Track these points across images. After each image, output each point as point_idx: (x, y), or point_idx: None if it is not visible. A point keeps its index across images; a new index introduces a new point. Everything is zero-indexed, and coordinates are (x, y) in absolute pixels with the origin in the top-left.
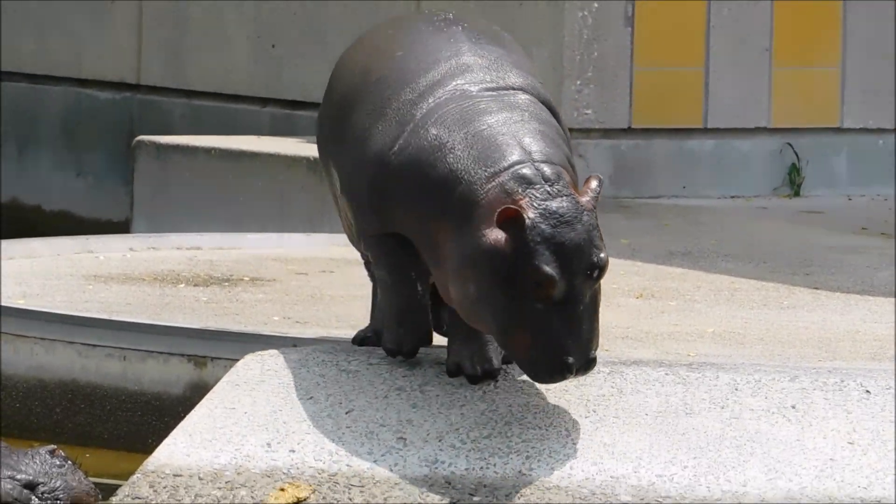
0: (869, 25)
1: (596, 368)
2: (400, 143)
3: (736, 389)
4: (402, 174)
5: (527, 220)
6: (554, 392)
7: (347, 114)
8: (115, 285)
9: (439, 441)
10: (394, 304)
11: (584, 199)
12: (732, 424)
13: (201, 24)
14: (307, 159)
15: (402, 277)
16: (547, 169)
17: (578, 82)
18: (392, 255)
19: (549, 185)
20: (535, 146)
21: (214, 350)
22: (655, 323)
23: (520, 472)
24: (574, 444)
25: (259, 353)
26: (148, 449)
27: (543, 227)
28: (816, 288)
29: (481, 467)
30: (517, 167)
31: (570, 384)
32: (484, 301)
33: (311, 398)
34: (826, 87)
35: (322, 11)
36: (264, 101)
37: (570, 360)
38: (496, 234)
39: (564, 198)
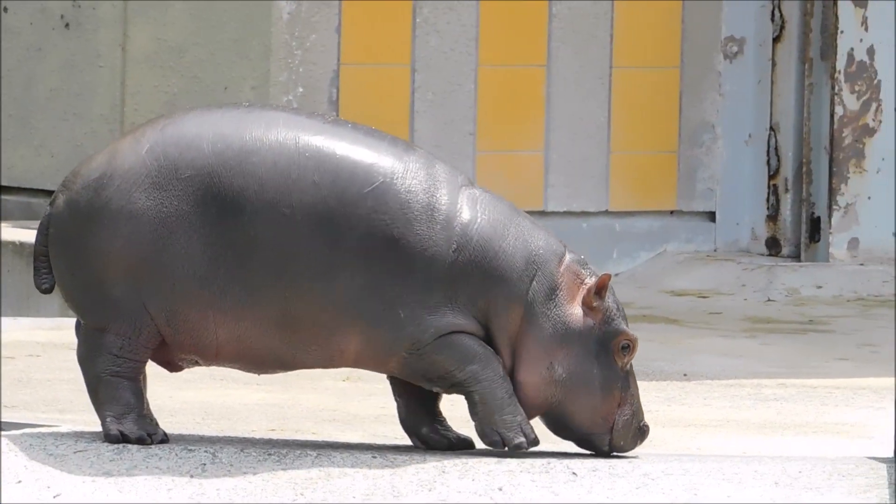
0: (572, 108)
1: (304, 451)
2: (458, 242)
3: (443, 472)
4: (471, 270)
5: (608, 291)
6: (262, 476)
7: (332, 231)
8: None
9: None
10: (497, 396)
11: None
12: None
13: None
14: (13, 243)
15: (491, 366)
16: (577, 253)
17: None
18: (473, 347)
19: (589, 266)
20: (553, 234)
21: None
22: (363, 405)
23: None
24: None
25: None
26: None
27: (611, 298)
28: None
29: None
30: (567, 253)
31: (279, 467)
32: (573, 378)
33: (19, 482)
34: (530, 171)
35: (28, 95)
36: None
37: (646, 424)
38: (579, 310)
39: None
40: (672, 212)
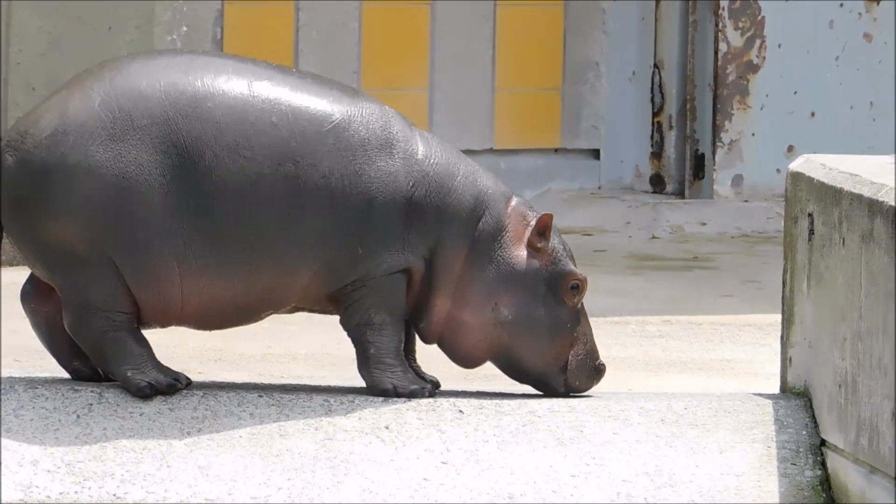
0: (456, 46)
1: (190, 391)
2: (415, 177)
3: (330, 410)
4: (425, 206)
5: (551, 231)
6: (148, 415)
7: (295, 171)
8: None
9: (34, 465)
10: (390, 347)
11: None
12: (326, 445)
13: None
14: None
15: (400, 321)
16: (523, 197)
17: None
18: (399, 297)
19: (535, 209)
20: (501, 177)
21: None
22: (249, 345)
23: (115, 495)
24: (169, 466)
25: None
26: None
27: (557, 239)
28: None
29: (76, 491)
30: (513, 195)
31: (165, 406)
32: (519, 320)
33: None
34: (415, 109)
35: None
36: None
37: (602, 363)
38: (525, 252)
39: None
40: (556, 150)
